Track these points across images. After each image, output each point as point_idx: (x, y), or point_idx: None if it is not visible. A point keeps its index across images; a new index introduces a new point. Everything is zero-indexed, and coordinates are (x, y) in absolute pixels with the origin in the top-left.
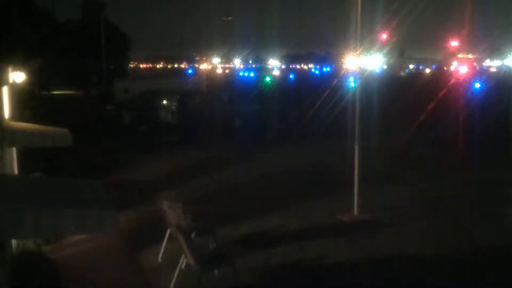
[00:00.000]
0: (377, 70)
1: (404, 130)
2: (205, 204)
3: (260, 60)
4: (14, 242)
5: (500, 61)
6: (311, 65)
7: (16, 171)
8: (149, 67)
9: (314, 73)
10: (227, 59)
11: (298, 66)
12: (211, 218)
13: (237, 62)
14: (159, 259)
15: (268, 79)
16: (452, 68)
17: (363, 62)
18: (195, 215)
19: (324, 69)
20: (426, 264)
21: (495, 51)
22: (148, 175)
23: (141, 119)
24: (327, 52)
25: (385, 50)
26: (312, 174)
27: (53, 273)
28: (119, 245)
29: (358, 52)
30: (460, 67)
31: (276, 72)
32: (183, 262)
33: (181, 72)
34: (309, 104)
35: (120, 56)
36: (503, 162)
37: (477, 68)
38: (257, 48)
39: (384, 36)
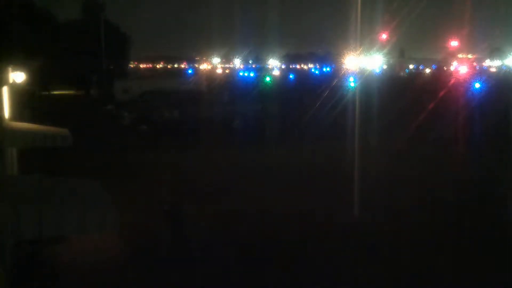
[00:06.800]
0: (377, 70)
1: (404, 130)
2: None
3: (260, 60)
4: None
5: (500, 61)
6: (311, 65)
7: (16, 171)
8: (149, 67)
9: (314, 73)
10: (227, 59)
11: (298, 66)
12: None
13: (237, 62)
14: None
15: (268, 79)
16: (452, 68)
17: (363, 62)
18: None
19: (324, 69)
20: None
21: (495, 51)
22: (148, 175)
23: (141, 119)
24: (327, 52)
25: (385, 50)
26: (311, 173)
27: (53, 273)
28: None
29: (358, 52)
30: (460, 67)
31: (276, 72)
32: None
33: (181, 72)
34: (309, 104)
35: (120, 56)
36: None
37: (477, 68)
38: (257, 48)
39: (384, 36)
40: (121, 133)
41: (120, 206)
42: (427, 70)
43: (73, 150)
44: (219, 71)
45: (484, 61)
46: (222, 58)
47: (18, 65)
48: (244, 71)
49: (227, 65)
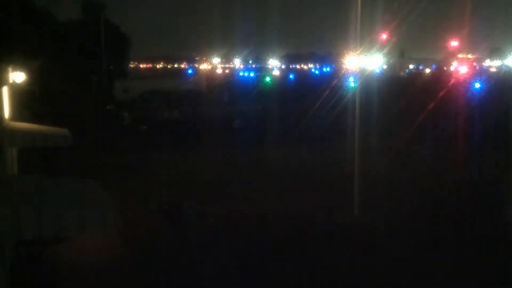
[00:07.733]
0: (377, 70)
1: (404, 130)
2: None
3: (260, 60)
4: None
5: (500, 61)
6: (311, 65)
7: (16, 171)
8: (149, 67)
9: (314, 73)
10: (227, 59)
11: (298, 66)
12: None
13: (237, 62)
14: None
15: (268, 79)
16: (452, 68)
17: (363, 62)
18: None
19: (324, 69)
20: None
21: (495, 51)
22: (148, 175)
23: (141, 119)
24: (327, 52)
25: (385, 50)
26: (311, 173)
27: (53, 273)
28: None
29: (358, 52)
30: (460, 67)
31: (276, 72)
32: None
33: (181, 72)
34: (309, 104)
35: (120, 56)
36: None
37: (477, 68)
38: (257, 48)
39: (384, 36)
40: (121, 133)
41: (120, 206)
42: (427, 70)
43: (73, 150)
44: (219, 71)
45: (484, 61)
46: (222, 58)
47: (18, 65)
48: (244, 71)
49: (227, 65)
